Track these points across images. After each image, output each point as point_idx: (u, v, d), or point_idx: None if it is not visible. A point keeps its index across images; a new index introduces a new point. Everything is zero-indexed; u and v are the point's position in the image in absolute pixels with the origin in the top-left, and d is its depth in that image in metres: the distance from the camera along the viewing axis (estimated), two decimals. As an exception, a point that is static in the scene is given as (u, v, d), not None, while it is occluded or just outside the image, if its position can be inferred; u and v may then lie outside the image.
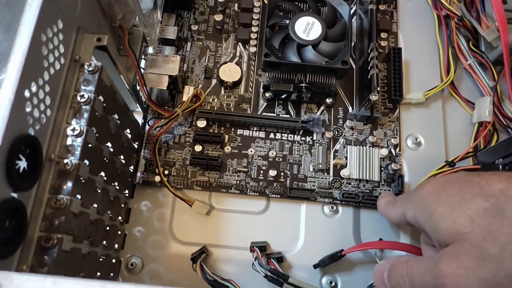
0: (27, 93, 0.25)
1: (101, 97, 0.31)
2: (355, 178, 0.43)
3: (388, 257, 0.42)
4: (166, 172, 0.43)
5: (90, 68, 0.30)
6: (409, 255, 0.38)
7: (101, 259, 0.35)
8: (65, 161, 0.28)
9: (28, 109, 0.25)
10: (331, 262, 0.40)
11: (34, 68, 0.25)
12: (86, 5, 0.32)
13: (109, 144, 0.35)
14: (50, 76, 0.27)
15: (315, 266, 0.40)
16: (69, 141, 0.29)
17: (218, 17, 0.48)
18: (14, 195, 0.24)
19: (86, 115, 0.30)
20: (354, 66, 0.48)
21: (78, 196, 0.29)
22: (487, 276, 0.25)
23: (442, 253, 0.28)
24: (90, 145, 0.30)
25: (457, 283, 0.26)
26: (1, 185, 0.23)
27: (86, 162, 0.30)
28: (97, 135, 0.31)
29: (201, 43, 0.49)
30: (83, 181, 0.30)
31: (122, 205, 0.40)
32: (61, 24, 0.28)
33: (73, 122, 0.29)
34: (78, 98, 0.30)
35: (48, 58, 0.27)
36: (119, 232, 0.40)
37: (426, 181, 0.33)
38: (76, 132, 0.29)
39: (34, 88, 0.26)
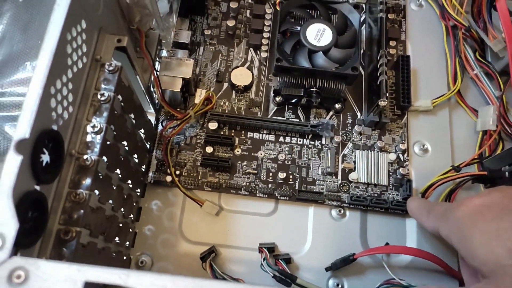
0: (52, 90, 0.26)
1: (119, 96, 0.32)
2: (363, 182, 0.44)
3: (395, 261, 0.42)
4: (177, 172, 0.44)
5: (111, 68, 0.31)
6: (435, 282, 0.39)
7: (113, 255, 0.36)
8: (85, 157, 0.29)
9: (52, 105, 0.26)
10: (343, 265, 0.40)
11: (59, 66, 0.26)
12: (107, 6, 0.33)
13: (125, 143, 0.36)
14: (73, 74, 0.28)
15: (327, 269, 0.41)
16: (89, 138, 0.30)
17: (231, 23, 0.50)
18: (37, 187, 0.25)
19: (105, 113, 0.31)
20: (363, 73, 0.49)
21: (96, 192, 0.30)
22: None
23: (483, 286, 0.28)
24: (108, 143, 0.31)
25: None
26: (26, 177, 0.24)
27: (104, 158, 0.31)
28: (114, 133, 0.32)
29: (213, 47, 0.50)
30: (101, 177, 0.30)
31: (134, 204, 0.41)
32: (85, 24, 0.29)
33: (93, 119, 0.30)
34: (99, 96, 0.30)
35: (72, 57, 0.28)
36: (130, 230, 0.41)
37: (462, 201, 0.33)
38: (96, 129, 0.30)
39: (58, 85, 0.27)
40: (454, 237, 0.32)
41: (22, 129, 0.22)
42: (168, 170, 0.43)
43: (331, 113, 0.47)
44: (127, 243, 0.40)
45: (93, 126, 0.30)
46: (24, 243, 0.25)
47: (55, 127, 0.27)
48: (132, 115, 0.36)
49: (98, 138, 0.30)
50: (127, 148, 0.36)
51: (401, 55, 0.49)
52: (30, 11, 0.51)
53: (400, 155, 0.46)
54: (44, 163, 0.26)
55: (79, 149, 0.29)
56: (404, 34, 0.52)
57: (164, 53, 0.46)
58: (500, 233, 0.28)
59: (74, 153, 0.29)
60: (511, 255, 0.27)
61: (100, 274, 0.20)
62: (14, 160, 0.22)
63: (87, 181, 0.29)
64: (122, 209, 0.37)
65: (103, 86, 0.31)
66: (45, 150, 0.25)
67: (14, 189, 0.21)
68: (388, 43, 0.51)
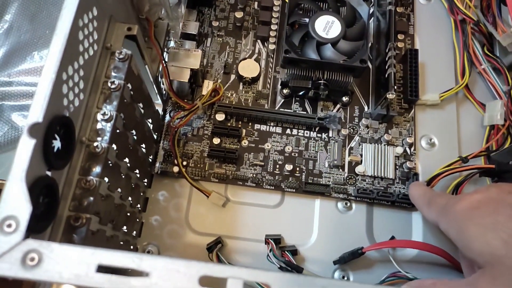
0: (64, 76, 0.26)
1: (129, 85, 0.32)
2: (369, 175, 0.44)
3: (401, 254, 0.42)
4: (184, 163, 0.44)
5: (121, 56, 0.31)
6: (433, 278, 0.39)
7: (121, 244, 0.36)
8: (95, 144, 0.29)
9: (64, 91, 0.26)
10: (351, 259, 0.40)
11: (71, 52, 0.26)
12: (118, -5, 0.33)
13: (133, 132, 0.36)
14: (84, 61, 0.28)
15: (335, 262, 0.41)
16: (99, 125, 0.30)
17: (239, 14, 0.49)
18: (48, 173, 0.25)
19: (115, 101, 0.31)
20: (370, 66, 0.49)
21: (106, 179, 0.30)
22: None
23: (478, 276, 0.29)
24: (118, 131, 0.31)
25: None
26: (38, 162, 0.24)
27: (114, 146, 0.31)
28: (124, 121, 0.32)
29: (221, 39, 0.50)
30: (110, 165, 0.30)
31: (141, 194, 0.41)
32: (96, 11, 0.29)
33: (103, 107, 0.30)
34: (109, 84, 0.30)
35: (84, 43, 0.28)
36: (137, 220, 0.41)
37: (461, 196, 0.34)
38: (106, 117, 0.30)
39: (70, 71, 0.27)
40: (452, 231, 0.33)
41: (35, 113, 0.22)
42: (175, 161, 0.43)
43: (338, 106, 0.47)
44: (134, 232, 0.40)
45: (104, 114, 0.30)
46: (36, 229, 0.25)
47: (66, 114, 0.27)
48: (140, 105, 0.36)
49: (108, 126, 0.30)
50: (135, 137, 0.36)
51: (409, 48, 0.49)
52: (38, 1, 0.51)
53: (407, 149, 0.45)
54: (55, 149, 0.26)
55: (89, 136, 0.29)
56: (412, 28, 0.52)
57: (172, 44, 0.46)
58: (496, 226, 0.29)
59: (84, 140, 0.29)
60: (506, 246, 0.28)
61: (114, 258, 0.20)
62: (27, 144, 0.22)
63: (97, 169, 0.29)
64: (130, 198, 0.37)
65: (113, 74, 0.31)
66: (56, 136, 0.25)
67: (27, 173, 0.21)
68: (396, 37, 0.50)
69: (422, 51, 0.50)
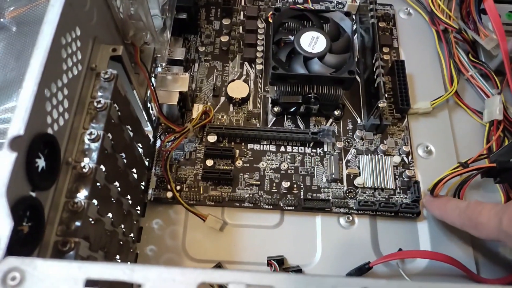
0: (47, 92, 0.25)
1: (116, 105, 0.32)
2: (369, 186, 0.43)
3: (410, 268, 0.40)
4: (178, 188, 0.42)
5: (106, 76, 0.31)
6: None
7: (115, 275, 0.34)
8: (82, 164, 0.28)
9: (48, 109, 0.25)
10: (359, 275, 0.38)
11: (54, 69, 0.26)
12: (101, 18, 0.33)
13: (123, 155, 0.34)
14: (68, 80, 0.28)
15: None
16: (86, 146, 0.29)
17: (224, 39, 0.50)
18: (33, 194, 0.24)
19: (102, 120, 0.30)
20: (359, 79, 0.49)
21: (95, 202, 0.28)
22: None
23: None
24: (106, 151, 0.30)
25: None
26: (21, 180, 0.22)
27: (102, 168, 0.29)
28: (112, 142, 0.31)
29: (208, 63, 0.50)
30: (99, 187, 0.29)
31: (134, 222, 0.39)
32: (79, 32, 0.29)
33: (90, 127, 0.29)
34: (95, 103, 0.30)
35: (67, 62, 0.28)
36: (131, 250, 0.39)
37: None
38: (93, 137, 0.29)
39: (53, 89, 0.26)
40: None
41: (16, 126, 0.21)
42: (169, 186, 0.42)
43: (330, 120, 0.47)
44: (128, 263, 0.38)
45: (90, 134, 0.29)
46: (20, 254, 0.23)
47: (50, 132, 0.26)
48: (129, 127, 0.36)
49: (95, 146, 0.29)
50: (125, 160, 0.35)
51: (395, 60, 0.49)
52: (24, 40, 0.51)
53: (405, 158, 0.45)
54: (39, 169, 0.24)
55: (76, 157, 0.28)
56: (396, 41, 0.52)
57: (159, 69, 0.46)
58: None
59: (70, 161, 0.28)
60: None
61: (103, 271, 0.18)
62: (8, 158, 0.21)
63: (85, 190, 0.27)
64: (122, 226, 0.35)
65: (99, 94, 0.30)
66: (40, 155, 0.24)
67: (8, 188, 0.20)
68: (381, 50, 0.51)
69: (408, 62, 0.50)
